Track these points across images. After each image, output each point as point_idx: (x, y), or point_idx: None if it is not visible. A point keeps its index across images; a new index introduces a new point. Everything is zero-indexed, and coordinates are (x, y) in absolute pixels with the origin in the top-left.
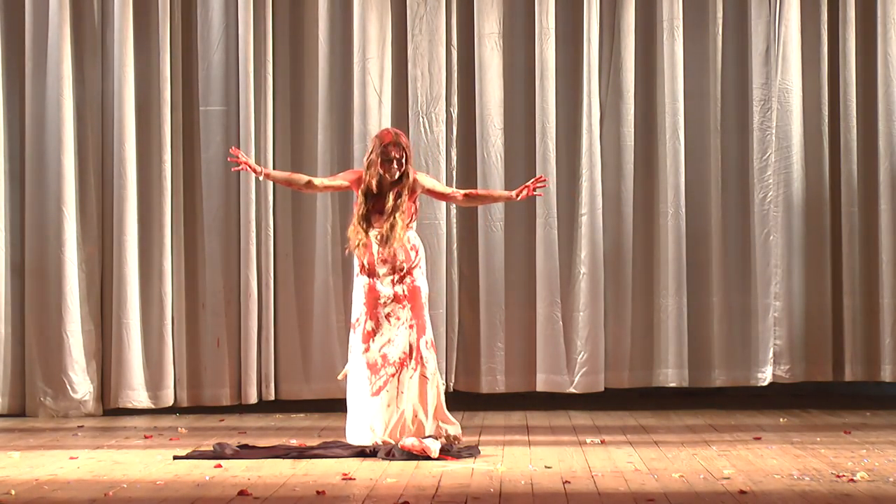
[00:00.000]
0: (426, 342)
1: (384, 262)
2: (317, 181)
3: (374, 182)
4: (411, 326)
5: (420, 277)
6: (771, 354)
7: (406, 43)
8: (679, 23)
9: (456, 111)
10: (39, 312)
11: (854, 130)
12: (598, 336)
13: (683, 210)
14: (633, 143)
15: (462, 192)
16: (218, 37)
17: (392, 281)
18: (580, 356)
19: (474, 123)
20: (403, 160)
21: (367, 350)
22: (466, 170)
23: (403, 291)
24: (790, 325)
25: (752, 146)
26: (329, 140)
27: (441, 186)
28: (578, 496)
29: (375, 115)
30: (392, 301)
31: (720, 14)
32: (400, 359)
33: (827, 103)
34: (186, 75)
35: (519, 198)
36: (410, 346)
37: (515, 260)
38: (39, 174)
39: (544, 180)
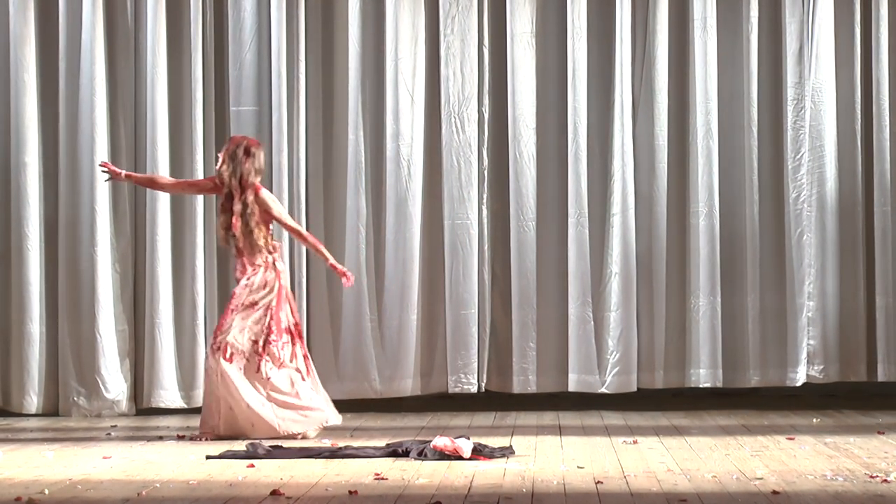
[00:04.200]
0: (212, 342)
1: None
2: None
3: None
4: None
5: (240, 288)
6: (805, 355)
7: (438, 43)
8: (712, 22)
9: (488, 111)
10: (73, 312)
11: (887, 129)
12: (631, 336)
13: (717, 210)
14: (665, 142)
15: (295, 231)
16: (250, 37)
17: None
18: (612, 356)
19: (506, 123)
20: (220, 160)
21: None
22: (498, 170)
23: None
24: (824, 326)
25: (786, 146)
26: (361, 140)
27: (280, 214)
28: (611, 496)
29: (408, 114)
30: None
31: (753, 13)
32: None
33: (860, 102)
34: (218, 76)
35: (331, 267)
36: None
37: (547, 260)
38: (73, 174)
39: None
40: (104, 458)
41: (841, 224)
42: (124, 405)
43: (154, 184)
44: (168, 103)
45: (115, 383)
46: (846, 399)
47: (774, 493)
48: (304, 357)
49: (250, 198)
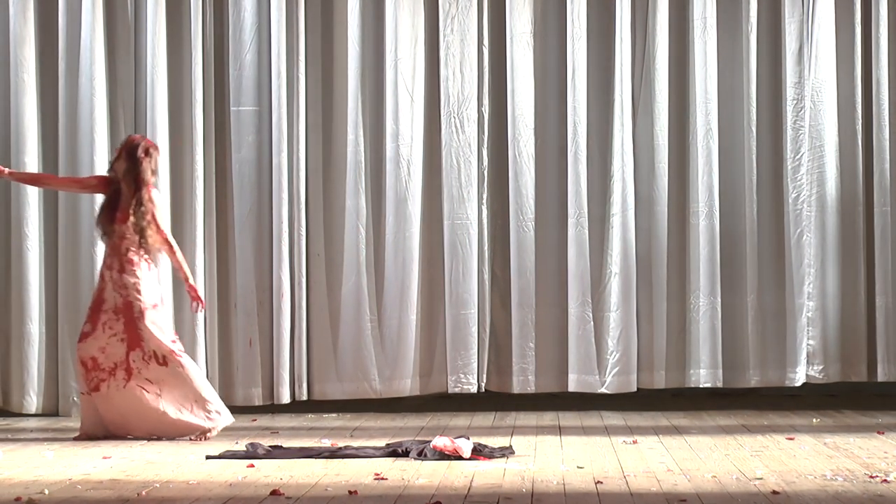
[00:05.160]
0: (141, 355)
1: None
2: None
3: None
4: (122, 340)
5: (135, 292)
6: (804, 355)
7: (438, 43)
8: (712, 22)
9: (487, 111)
10: (73, 312)
11: (887, 129)
12: (631, 336)
13: (717, 210)
14: (665, 142)
15: (167, 242)
16: (250, 38)
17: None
18: (612, 356)
19: (506, 123)
20: (115, 155)
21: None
22: (497, 170)
23: (117, 304)
24: (824, 325)
25: (786, 145)
26: (361, 140)
27: (161, 219)
28: (610, 496)
29: (407, 115)
30: (111, 310)
31: (753, 13)
32: (109, 368)
33: (860, 102)
34: (218, 76)
35: (187, 288)
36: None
37: (547, 260)
38: (72, 174)
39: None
40: (104, 458)
41: (841, 224)
42: None
43: (39, 182)
44: (168, 103)
45: None
46: (846, 399)
47: (774, 493)
48: None
49: (146, 196)
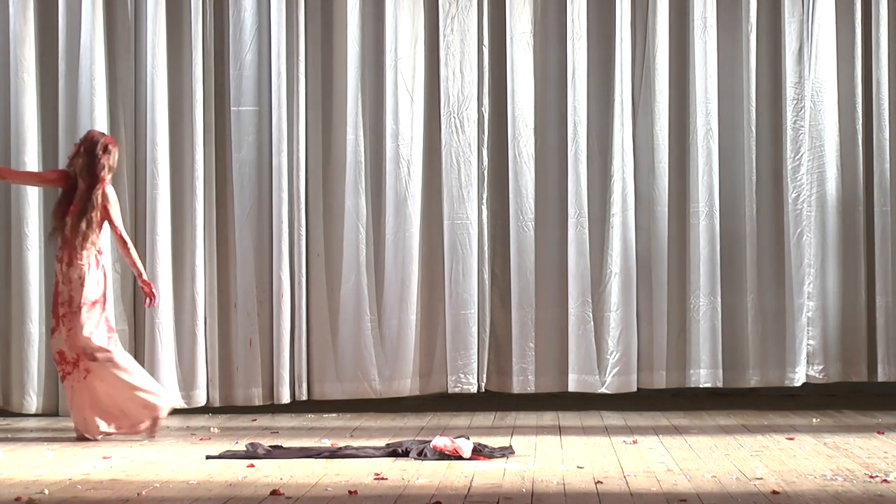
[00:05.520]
0: (84, 348)
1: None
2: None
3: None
4: (70, 330)
5: (77, 287)
6: (804, 354)
7: (438, 43)
8: (712, 22)
9: (487, 111)
10: None
11: (887, 129)
12: (631, 336)
13: (717, 210)
14: (666, 142)
15: (122, 239)
16: (250, 38)
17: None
18: (612, 356)
19: (506, 123)
20: (74, 151)
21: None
22: (497, 170)
23: (64, 298)
24: (824, 325)
25: (786, 145)
26: (361, 140)
27: (115, 216)
28: (610, 496)
29: (407, 114)
30: (66, 303)
31: (753, 13)
32: (73, 360)
33: (860, 102)
34: (219, 76)
35: (141, 284)
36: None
37: (547, 260)
38: None
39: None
40: (104, 458)
41: (841, 224)
42: None
43: None
44: (168, 103)
45: None
46: (846, 399)
47: (774, 493)
48: None
49: (98, 192)
